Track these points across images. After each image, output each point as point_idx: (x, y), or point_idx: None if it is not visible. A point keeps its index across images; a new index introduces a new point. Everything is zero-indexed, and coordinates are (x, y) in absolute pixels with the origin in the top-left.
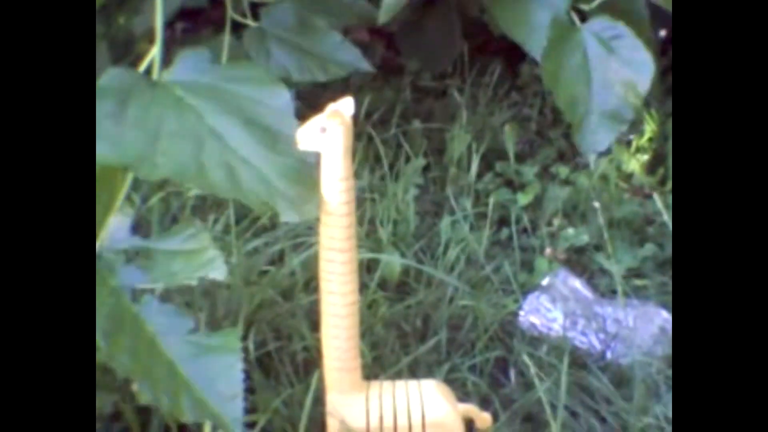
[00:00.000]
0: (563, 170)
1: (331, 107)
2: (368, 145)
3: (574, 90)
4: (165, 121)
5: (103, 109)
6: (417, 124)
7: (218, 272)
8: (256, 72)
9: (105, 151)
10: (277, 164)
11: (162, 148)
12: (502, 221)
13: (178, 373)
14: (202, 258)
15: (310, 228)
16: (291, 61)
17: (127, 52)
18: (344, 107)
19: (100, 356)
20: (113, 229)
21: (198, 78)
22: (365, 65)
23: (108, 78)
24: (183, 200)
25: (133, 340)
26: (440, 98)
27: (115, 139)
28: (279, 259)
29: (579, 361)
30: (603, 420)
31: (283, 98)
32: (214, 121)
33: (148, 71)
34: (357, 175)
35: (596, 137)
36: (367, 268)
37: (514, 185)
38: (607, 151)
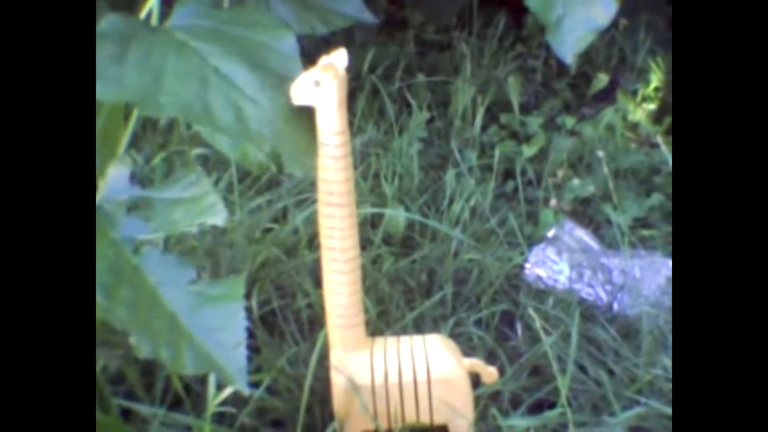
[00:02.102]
0: (569, 121)
1: (324, 60)
2: (372, 100)
3: None
4: (167, 62)
5: (103, 51)
6: (421, 77)
7: (218, 217)
8: (259, 16)
9: (106, 90)
10: (284, 107)
11: (166, 88)
12: (507, 173)
13: (180, 325)
14: (202, 204)
15: (313, 184)
16: (290, 13)
17: (129, 7)
18: (337, 60)
19: (99, 311)
20: (112, 179)
21: (199, 22)
22: (367, 16)
23: (107, 23)
24: (186, 159)
25: (134, 292)
26: (444, 51)
27: (116, 79)
28: (282, 217)
29: (586, 313)
30: (611, 372)
31: (289, 42)
32: (218, 62)
33: (148, 20)
34: (361, 129)
35: (577, 35)
36: (371, 223)
37: (519, 137)
38: (613, 101)
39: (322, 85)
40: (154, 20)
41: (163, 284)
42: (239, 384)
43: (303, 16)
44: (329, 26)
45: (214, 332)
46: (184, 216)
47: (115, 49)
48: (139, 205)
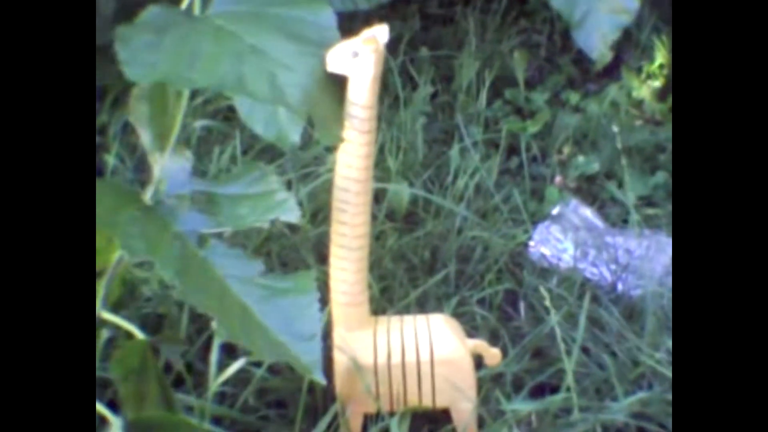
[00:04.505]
0: (573, 97)
1: (367, 32)
2: None
3: None
4: (202, 46)
5: (139, 40)
6: (425, 51)
7: (291, 214)
8: None
9: (137, 73)
10: (318, 73)
11: (199, 67)
12: (512, 149)
13: (252, 315)
14: (273, 200)
15: (317, 158)
16: None
17: None
18: (379, 34)
19: (176, 294)
20: (173, 173)
21: (238, 8)
22: None
23: (148, 14)
24: (188, 132)
25: (204, 282)
26: (448, 25)
27: (149, 64)
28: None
29: (590, 293)
30: (614, 354)
31: (327, 14)
32: (254, 40)
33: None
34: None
35: (601, 32)
36: (374, 198)
37: (523, 113)
38: (618, 77)
39: (361, 57)
40: (196, 9)
41: (231, 277)
42: (316, 374)
43: None
44: (370, 2)
45: (287, 323)
46: (253, 211)
47: (152, 38)
48: (200, 199)
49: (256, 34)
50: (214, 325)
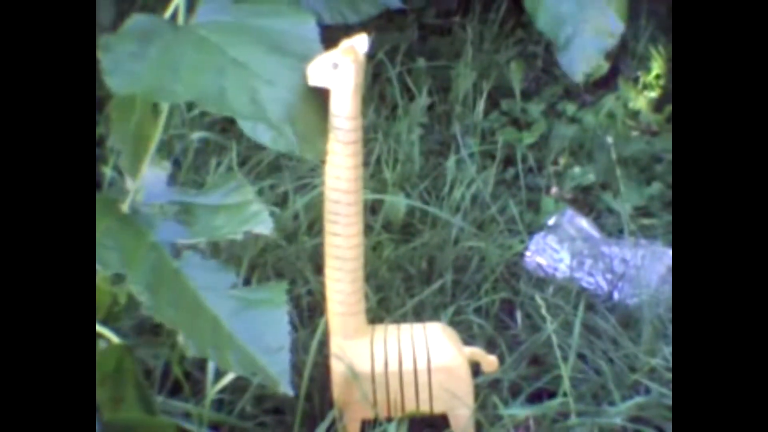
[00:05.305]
0: (570, 108)
1: (346, 43)
2: (372, 84)
3: (560, 8)
4: (185, 56)
5: (124, 49)
6: (422, 62)
7: (264, 226)
8: (280, 5)
9: (121, 84)
10: (300, 87)
11: (182, 78)
12: (508, 160)
13: (222, 328)
14: (247, 212)
15: (313, 170)
16: (320, 3)
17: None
18: (359, 44)
19: (144, 309)
20: (150, 183)
21: (221, 18)
22: (395, 2)
23: (132, 23)
24: (186, 143)
25: (176, 294)
26: (445, 36)
27: (133, 74)
28: (283, 202)
29: (586, 302)
30: (611, 361)
31: (309, 26)
32: (236, 52)
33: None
34: (361, 114)
35: (586, 55)
36: (371, 209)
37: (519, 123)
38: (614, 88)
39: (340, 68)
40: (180, 18)
41: (204, 288)
42: (283, 386)
43: (333, 4)
44: (359, 14)
45: (257, 336)
46: (227, 222)
47: (136, 47)
48: (177, 209)
49: (238, 47)
50: (180, 340)
